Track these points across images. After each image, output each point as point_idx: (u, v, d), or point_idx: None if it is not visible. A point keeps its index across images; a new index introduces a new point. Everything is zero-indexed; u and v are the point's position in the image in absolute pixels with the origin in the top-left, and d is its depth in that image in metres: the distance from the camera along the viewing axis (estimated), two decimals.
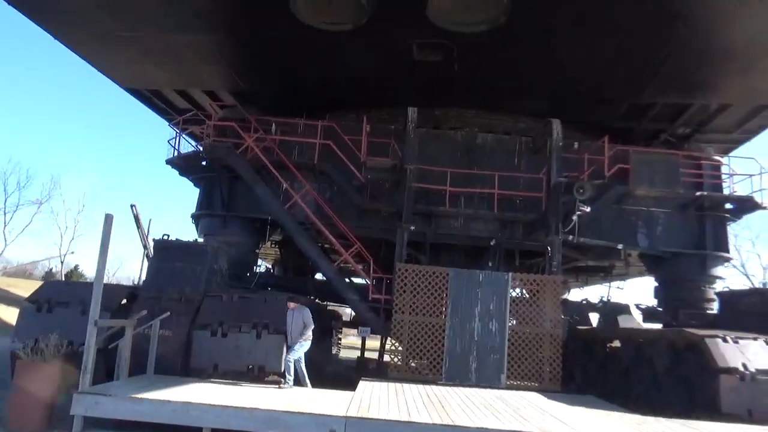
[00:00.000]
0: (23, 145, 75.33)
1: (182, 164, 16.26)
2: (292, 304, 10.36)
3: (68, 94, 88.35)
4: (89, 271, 59.22)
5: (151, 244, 15.23)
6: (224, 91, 17.25)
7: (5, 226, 42.38)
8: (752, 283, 38.20)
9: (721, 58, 12.77)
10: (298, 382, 10.13)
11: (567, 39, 12.44)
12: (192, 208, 16.76)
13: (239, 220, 15.61)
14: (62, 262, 49.08)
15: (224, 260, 13.10)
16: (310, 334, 10.18)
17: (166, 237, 12.92)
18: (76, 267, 60.34)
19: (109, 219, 8.47)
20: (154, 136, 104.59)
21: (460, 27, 11.91)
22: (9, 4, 12.98)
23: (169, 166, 16.55)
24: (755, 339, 10.86)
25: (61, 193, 47.19)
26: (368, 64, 14.19)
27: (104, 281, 8.48)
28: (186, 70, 15.84)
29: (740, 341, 10.66)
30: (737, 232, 38.71)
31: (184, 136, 16.75)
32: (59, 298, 10.97)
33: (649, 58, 12.92)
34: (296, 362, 10.09)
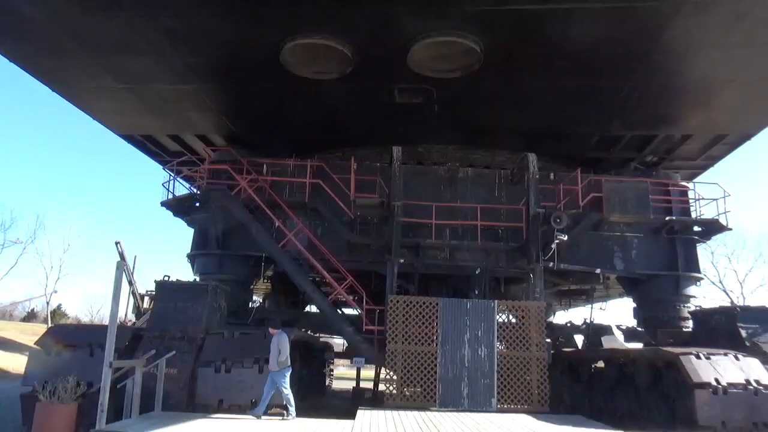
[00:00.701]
0: (6, 186, 75.08)
1: (177, 206, 16.86)
2: (273, 330, 10.76)
3: (48, 134, 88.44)
4: (72, 310, 58.59)
5: (152, 285, 15.70)
6: (215, 135, 18.00)
7: None
8: (730, 299, 39.47)
9: (680, 94, 13.92)
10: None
11: (537, 81, 13.44)
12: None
13: (234, 258, 16.17)
14: (48, 303, 48.72)
15: (222, 298, 13.67)
16: (284, 359, 10.50)
17: (166, 278, 13.47)
18: (59, 306, 59.87)
19: (120, 266, 9.08)
20: (138, 173, 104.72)
21: (438, 73, 12.86)
22: (11, 61, 13.70)
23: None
24: (725, 354, 11.68)
25: (45, 233, 47.05)
26: (353, 107, 15.09)
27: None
28: (179, 117, 16.59)
29: (712, 357, 11.47)
30: (714, 248, 40.13)
31: (178, 179, 17.38)
32: (68, 340, 11.41)
33: (614, 96, 14.00)
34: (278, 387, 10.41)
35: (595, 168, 17.72)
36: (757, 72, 12.63)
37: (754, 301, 37.43)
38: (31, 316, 61.37)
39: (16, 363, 31.27)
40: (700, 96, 13.96)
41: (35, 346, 11.54)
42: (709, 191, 17.67)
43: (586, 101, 14.49)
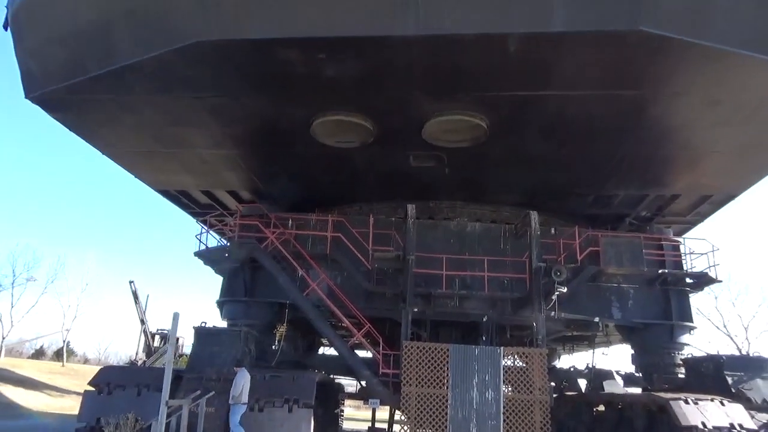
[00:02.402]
0: (30, 226, 78.18)
1: (209, 256, 18.40)
2: (237, 368, 12.26)
3: (68, 175, 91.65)
4: (81, 348, 59.48)
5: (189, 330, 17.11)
6: (244, 190, 19.69)
7: (12, 307, 43.66)
8: (735, 343, 39.96)
9: (666, 161, 15.48)
10: None
11: (537, 148, 15.05)
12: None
13: (260, 305, 17.58)
14: (65, 341, 50.00)
15: (252, 342, 15.08)
16: (238, 395, 11.84)
17: (203, 324, 14.89)
18: (68, 344, 60.95)
19: (176, 317, 10.53)
20: (151, 215, 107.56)
21: (448, 143, 14.52)
22: (70, 130, 15.54)
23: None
24: (712, 400, 12.89)
25: (65, 273, 48.62)
26: (372, 169, 16.74)
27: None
28: (213, 176, 18.32)
29: (699, 402, 12.68)
30: (717, 294, 40.84)
31: (211, 232, 19.00)
32: (117, 381, 12.81)
33: (606, 161, 15.56)
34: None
35: (593, 223, 19.19)
36: (735, 144, 14.19)
37: (758, 346, 37.97)
38: (39, 354, 62.43)
39: (36, 401, 32.43)
40: (684, 163, 15.52)
41: (89, 387, 12.90)
42: (700, 245, 19.02)
43: (581, 165, 16.05)
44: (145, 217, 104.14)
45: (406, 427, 13.98)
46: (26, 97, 13.81)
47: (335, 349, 16.61)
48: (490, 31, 10.13)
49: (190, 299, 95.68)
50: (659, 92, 11.86)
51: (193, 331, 14.72)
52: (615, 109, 12.75)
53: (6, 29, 13.40)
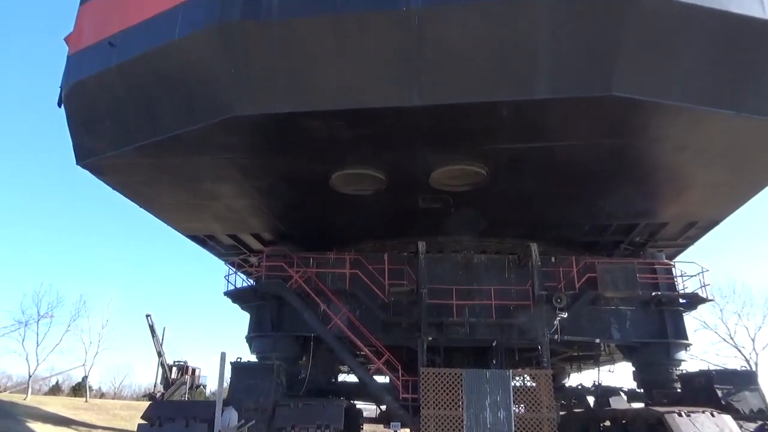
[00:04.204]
0: (53, 265, 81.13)
1: (238, 296, 20.04)
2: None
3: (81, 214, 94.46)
4: (95, 381, 60.64)
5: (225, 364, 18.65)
6: (266, 233, 21.41)
7: (37, 346, 45.30)
8: (742, 354, 40.57)
9: (651, 195, 17.08)
10: None
11: (533, 188, 16.70)
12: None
13: (286, 339, 19.09)
14: (86, 377, 51.38)
15: (283, 374, 16.62)
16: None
17: (239, 359, 16.46)
18: (84, 378, 62.34)
19: (223, 356, 12.14)
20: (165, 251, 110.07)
21: (453, 188, 16.19)
22: (113, 188, 17.35)
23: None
24: (703, 412, 14.30)
25: (86, 311, 50.03)
26: (385, 212, 18.42)
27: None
28: (238, 222, 20.08)
29: (692, 415, 14.09)
30: (723, 306, 41.57)
31: (239, 273, 20.70)
32: (167, 415, 14.37)
33: (598, 196, 17.17)
34: None
35: (590, 249, 20.71)
36: (709, 180, 15.80)
37: (766, 356, 38.33)
38: (56, 390, 63.77)
39: None
40: (667, 196, 17.11)
41: (142, 421, 14.47)
42: (691, 267, 20.44)
43: (575, 200, 17.63)
44: (153, 252, 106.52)
45: None
46: (77, 164, 15.66)
47: (357, 377, 18.08)
48: (482, 100, 11.86)
49: (203, 330, 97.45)
50: (635, 141, 13.53)
51: (219, 363, 16.27)
52: (599, 155, 14.41)
53: (60, 106, 15.28)
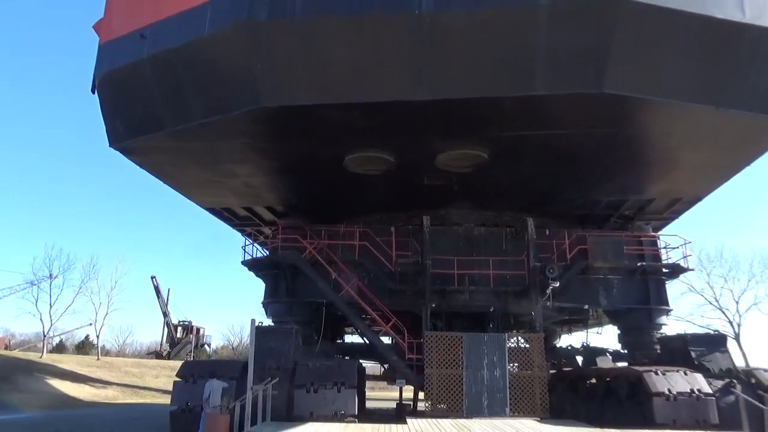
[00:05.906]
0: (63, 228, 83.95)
1: (254, 264, 21.59)
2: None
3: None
4: (99, 341, 63.16)
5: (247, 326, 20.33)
6: (279, 206, 22.80)
7: (51, 307, 47.36)
8: (727, 317, 42.58)
9: (639, 174, 18.49)
10: None
11: (530, 168, 18.05)
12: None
13: (300, 304, 20.74)
14: (98, 336, 53.54)
15: (300, 337, 18.27)
16: (208, 401, 13.96)
17: (260, 323, 18.06)
18: (87, 337, 64.76)
19: (252, 322, 13.69)
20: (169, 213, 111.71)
21: (456, 169, 17.50)
22: (141, 167, 18.61)
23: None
24: (677, 371, 15.99)
25: (97, 274, 51.77)
26: (392, 189, 19.80)
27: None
28: (254, 196, 21.45)
29: (667, 373, 15.78)
30: (710, 270, 43.41)
31: (256, 245, 22.21)
32: (199, 372, 16.06)
33: (589, 175, 18.51)
34: None
35: (583, 222, 22.25)
36: (693, 162, 17.19)
37: (749, 318, 40.23)
38: (60, 348, 66.21)
39: (83, 392, 36.05)
40: (653, 175, 18.55)
41: (177, 378, 16.18)
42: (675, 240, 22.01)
43: (569, 178, 18.99)
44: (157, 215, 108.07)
45: (429, 402, 17.20)
46: (110, 146, 16.89)
47: (368, 339, 19.83)
48: (486, 95, 13.11)
49: (206, 292, 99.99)
50: (625, 129, 14.84)
51: (249, 328, 17.90)
52: (592, 141, 15.73)
53: (94, 92, 16.40)
